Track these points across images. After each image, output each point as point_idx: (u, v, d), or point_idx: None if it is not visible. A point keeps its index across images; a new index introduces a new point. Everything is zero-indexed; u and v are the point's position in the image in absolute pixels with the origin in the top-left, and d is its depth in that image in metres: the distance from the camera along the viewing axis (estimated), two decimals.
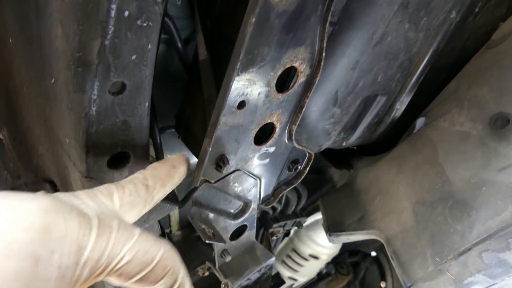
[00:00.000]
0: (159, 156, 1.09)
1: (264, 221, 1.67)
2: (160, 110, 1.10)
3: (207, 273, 1.30)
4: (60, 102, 0.63)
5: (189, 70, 1.04)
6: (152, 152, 1.18)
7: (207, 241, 0.90)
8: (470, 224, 1.12)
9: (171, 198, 0.94)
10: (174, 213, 1.59)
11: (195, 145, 1.06)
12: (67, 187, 0.92)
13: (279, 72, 0.77)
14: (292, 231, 2.56)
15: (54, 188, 1.01)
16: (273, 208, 1.70)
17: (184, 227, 1.67)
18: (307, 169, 1.06)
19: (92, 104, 0.60)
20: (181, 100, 1.18)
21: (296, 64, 0.78)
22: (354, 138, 1.30)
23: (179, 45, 1.16)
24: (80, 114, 0.60)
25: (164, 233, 1.12)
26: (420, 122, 1.33)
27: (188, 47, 1.25)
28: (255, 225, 1.14)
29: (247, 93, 0.74)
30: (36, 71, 0.67)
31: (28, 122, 0.83)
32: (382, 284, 3.43)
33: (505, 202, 1.06)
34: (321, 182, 1.89)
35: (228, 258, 1.12)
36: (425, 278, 1.21)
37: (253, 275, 1.21)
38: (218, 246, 1.11)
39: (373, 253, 3.58)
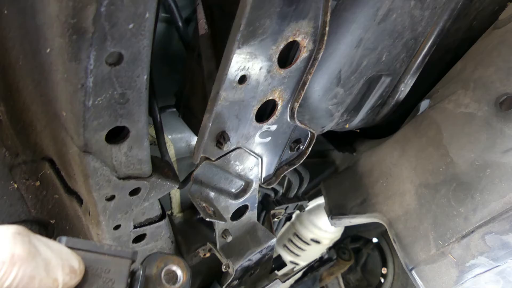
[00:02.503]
0: (159, 135, 1.07)
1: (266, 204, 1.67)
2: (161, 90, 1.08)
3: (208, 255, 1.29)
4: (55, 73, 0.61)
5: (189, 46, 1.02)
6: (152, 131, 1.17)
7: (207, 219, 0.90)
8: (473, 206, 1.11)
9: (171, 176, 0.93)
10: (176, 195, 1.59)
11: (195, 123, 1.05)
12: (65, 166, 0.91)
13: (281, 46, 0.75)
14: (294, 216, 2.56)
15: (53, 167, 1.00)
16: (275, 191, 1.69)
17: (185, 210, 1.66)
18: (309, 149, 1.05)
19: (89, 75, 0.58)
20: (181, 79, 1.16)
21: (298, 39, 0.76)
22: (357, 121, 1.29)
23: (180, 24, 1.14)
24: (76, 85, 0.59)
25: (165, 213, 1.11)
26: (424, 104, 1.31)
27: (189, 27, 1.23)
28: (256, 205, 1.13)
29: (248, 67, 0.73)
30: (31, 43, 0.65)
31: (25, 98, 0.81)
32: (383, 270, 3.45)
33: (510, 184, 1.04)
34: (323, 165, 1.88)
35: (229, 239, 1.11)
36: (427, 260, 1.21)
37: (254, 256, 1.20)
38: (219, 226, 1.10)
39: (375, 240, 3.59)
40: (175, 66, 1.32)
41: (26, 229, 0.49)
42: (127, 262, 0.58)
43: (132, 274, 0.59)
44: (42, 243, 0.49)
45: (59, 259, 0.49)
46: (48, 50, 0.60)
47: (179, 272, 0.64)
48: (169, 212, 1.63)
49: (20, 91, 0.81)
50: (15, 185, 1.00)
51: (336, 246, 3.22)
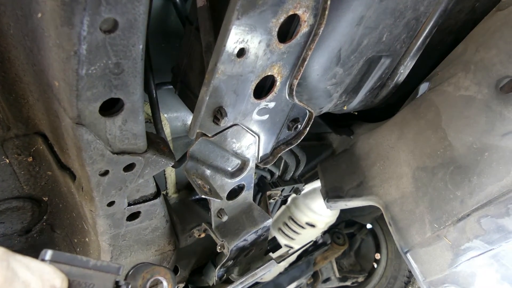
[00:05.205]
0: (154, 112, 1.05)
1: (262, 185, 1.66)
2: (157, 67, 1.06)
3: (203, 235, 1.29)
4: (47, 39, 0.59)
5: (187, 19, 0.99)
6: (147, 109, 1.15)
7: (203, 196, 0.88)
8: (470, 190, 1.10)
9: (166, 153, 0.92)
10: (171, 176, 1.57)
11: (192, 99, 1.03)
12: (58, 140, 0.89)
13: (281, 19, 0.73)
14: (289, 199, 2.56)
15: (46, 142, 0.98)
16: (271, 173, 1.68)
17: (181, 190, 1.65)
18: (307, 128, 1.03)
19: (82, 41, 0.56)
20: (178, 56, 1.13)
21: (299, 12, 0.74)
22: (355, 102, 1.27)
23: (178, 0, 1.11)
24: (69, 51, 0.57)
25: (160, 191, 1.10)
26: (423, 87, 1.29)
27: (187, 4, 1.20)
28: (252, 185, 1.12)
29: (247, 40, 0.70)
30: (22, 7, 0.63)
31: (17, 69, 0.79)
32: (377, 256, 3.48)
33: (507, 167, 1.04)
34: (320, 148, 1.87)
35: (224, 218, 1.10)
36: (422, 243, 1.21)
37: (250, 236, 1.20)
38: (214, 205, 1.09)
39: (369, 226, 3.61)
40: (173, 43, 1.29)
41: (6, 251, 0.49)
42: (111, 277, 0.60)
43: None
44: (22, 264, 0.50)
45: (39, 280, 0.51)
46: (40, 15, 0.57)
47: (164, 284, 0.64)
48: (164, 193, 1.62)
49: (11, 61, 0.79)
50: (7, 160, 0.99)
51: (331, 231, 3.24)
